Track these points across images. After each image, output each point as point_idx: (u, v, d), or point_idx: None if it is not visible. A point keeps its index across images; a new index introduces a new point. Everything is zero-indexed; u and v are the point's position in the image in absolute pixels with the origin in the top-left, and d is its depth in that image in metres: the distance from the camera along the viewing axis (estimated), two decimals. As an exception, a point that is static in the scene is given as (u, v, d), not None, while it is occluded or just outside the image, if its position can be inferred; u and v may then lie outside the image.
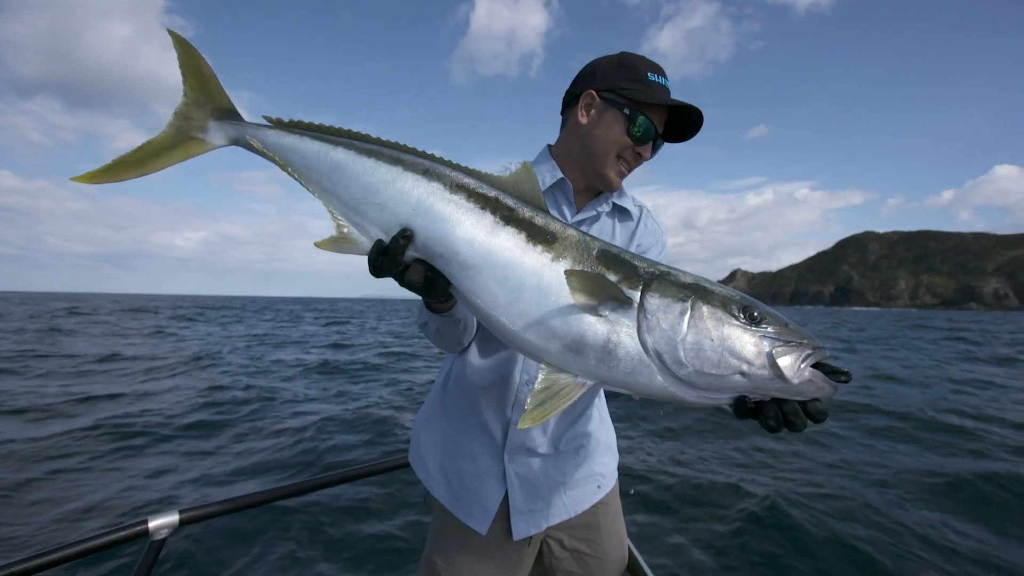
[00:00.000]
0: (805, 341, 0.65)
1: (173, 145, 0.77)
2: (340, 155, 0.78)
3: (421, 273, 0.74)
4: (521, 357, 1.09)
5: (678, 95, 1.14)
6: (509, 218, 0.73)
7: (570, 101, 1.11)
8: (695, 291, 0.67)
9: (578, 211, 1.11)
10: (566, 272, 0.67)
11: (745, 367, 0.63)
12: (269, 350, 15.01)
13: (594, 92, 1.05)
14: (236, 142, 0.81)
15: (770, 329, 0.65)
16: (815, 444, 6.42)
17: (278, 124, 0.81)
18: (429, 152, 0.78)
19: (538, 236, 0.71)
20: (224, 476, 4.62)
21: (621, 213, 1.15)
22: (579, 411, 1.19)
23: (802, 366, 0.63)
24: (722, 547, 3.65)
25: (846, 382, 0.66)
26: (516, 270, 0.70)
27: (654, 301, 0.66)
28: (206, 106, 0.79)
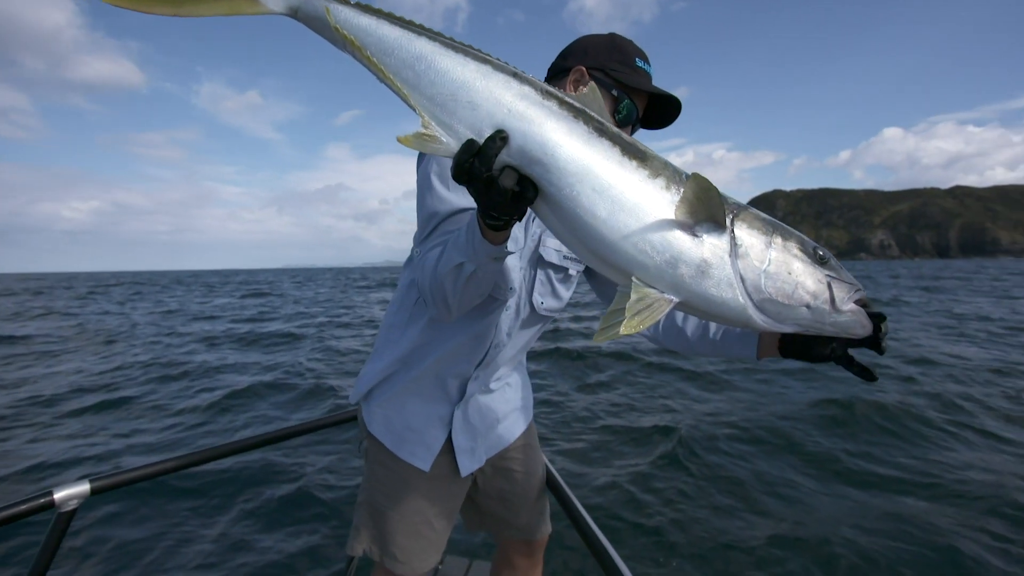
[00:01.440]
0: (855, 283, 0.72)
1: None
2: (424, 45, 0.72)
3: (514, 179, 0.69)
4: (501, 320, 1.13)
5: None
6: (602, 130, 0.71)
7: (557, 73, 1.11)
8: (777, 228, 0.72)
9: None
10: (692, 176, 0.68)
11: (811, 301, 0.70)
12: (182, 323, 14.05)
13: (584, 69, 1.06)
14: (296, 11, 0.73)
15: (832, 272, 0.71)
16: (724, 386, 7.01)
17: (352, 3, 0.74)
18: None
19: (631, 151, 0.70)
20: (137, 454, 4.37)
21: None
22: (525, 347, 1.26)
23: (853, 306, 0.71)
24: (644, 479, 3.94)
25: (883, 320, 0.75)
26: (616, 181, 0.69)
27: (744, 229, 0.70)
28: None
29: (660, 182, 0.69)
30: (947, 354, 9.11)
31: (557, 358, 8.34)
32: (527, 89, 0.70)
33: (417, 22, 0.74)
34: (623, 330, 0.65)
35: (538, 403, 5.37)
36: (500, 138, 0.67)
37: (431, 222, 0.97)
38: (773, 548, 3.02)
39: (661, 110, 1.11)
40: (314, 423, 1.68)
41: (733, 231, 0.69)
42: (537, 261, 1.14)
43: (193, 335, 11.51)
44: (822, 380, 6.99)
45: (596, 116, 0.72)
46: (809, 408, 5.67)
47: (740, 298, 0.68)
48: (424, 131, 0.70)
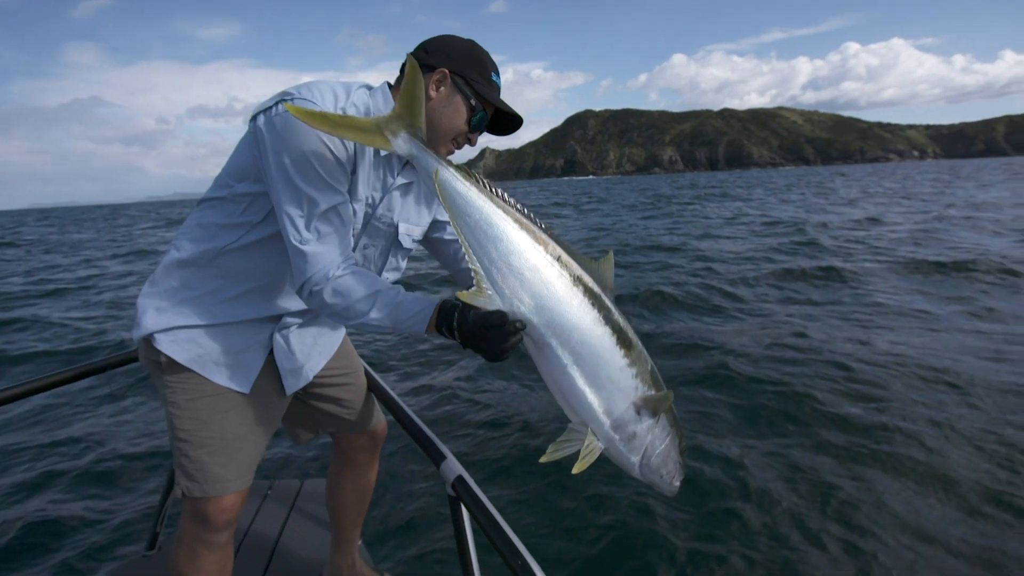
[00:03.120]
0: (685, 469, 1.01)
1: (367, 130, 0.98)
2: (499, 217, 0.92)
3: (518, 343, 0.92)
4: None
5: None
6: (608, 319, 0.91)
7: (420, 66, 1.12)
8: (677, 426, 0.99)
9: (399, 175, 1.18)
10: (666, 393, 0.94)
11: (664, 475, 0.98)
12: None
13: (448, 72, 1.10)
14: (412, 158, 0.99)
15: (683, 463, 1.01)
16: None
17: (456, 166, 0.97)
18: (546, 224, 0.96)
19: (623, 341, 0.91)
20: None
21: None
22: None
23: (677, 484, 1.00)
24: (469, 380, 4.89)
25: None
26: (605, 364, 0.89)
27: (663, 423, 0.96)
28: (405, 120, 0.98)
29: (634, 371, 0.92)
30: (721, 249, 11.71)
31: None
32: (564, 274, 0.91)
33: (499, 193, 0.94)
34: (576, 471, 0.89)
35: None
36: (521, 325, 0.90)
37: (310, 210, 1.01)
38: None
39: (505, 121, 1.20)
40: (88, 367, 1.59)
41: (658, 422, 0.95)
42: (391, 246, 1.24)
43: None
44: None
45: (607, 302, 0.93)
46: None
47: (635, 459, 0.95)
48: (479, 290, 0.91)
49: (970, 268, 8.02)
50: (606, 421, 0.91)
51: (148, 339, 1.12)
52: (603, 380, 0.88)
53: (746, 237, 13.00)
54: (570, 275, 0.90)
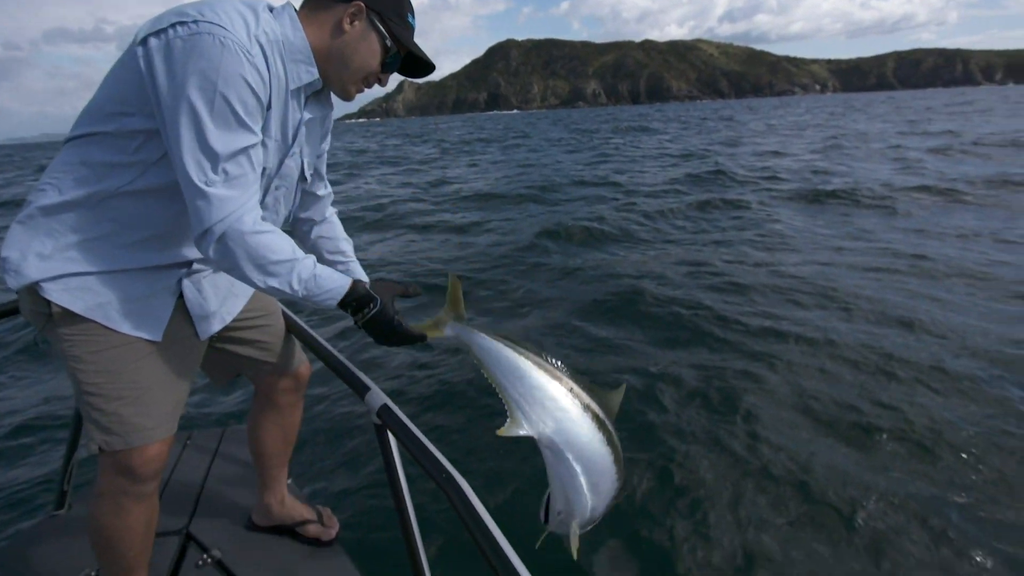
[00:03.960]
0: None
1: (432, 328, 1.21)
2: (522, 363, 1.10)
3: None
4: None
5: None
6: (609, 440, 1.07)
7: None
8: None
9: (305, 110, 1.14)
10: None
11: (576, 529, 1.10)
12: None
13: (364, 7, 1.06)
14: (458, 337, 1.19)
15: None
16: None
17: (485, 331, 1.16)
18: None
19: (618, 459, 1.08)
20: None
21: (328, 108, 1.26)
22: None
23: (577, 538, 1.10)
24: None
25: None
26: (604, 479, 1.06)
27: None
28: (452, 315, 1.22)
29: (621, 482, 1.10)
30: (638, 181, 12.07)
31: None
32: (576, 401, 1.07)
33: (520, 343, 1.13)
34: (575, 555, 1.05)
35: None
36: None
37: (218, 149, 0.93)
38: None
39: (417, 64, 1.18)
40: None
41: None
42: (298, 185, 1.24)
43: None
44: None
45: (609, 427, 1.08)
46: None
47: (575, 524, 1.08)
48: (513, 419, 1.06)
49: (853, 194, 8.92)
50: (588, 513, 1.08)
51: (32, 288, 1.00)
52: (600, 488, 1.07)
53: (663, 170, 13.50)
54: (581, 404, 1.08)
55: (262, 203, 1.12)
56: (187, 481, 1.71)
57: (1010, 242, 6.22)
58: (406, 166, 19.54)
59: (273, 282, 1.00)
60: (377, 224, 9.12)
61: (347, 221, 8.96)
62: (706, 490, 2.43)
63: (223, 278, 1.20)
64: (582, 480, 1.04)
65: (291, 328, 1.44)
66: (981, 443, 2.67)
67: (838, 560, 2.10)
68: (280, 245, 1.00)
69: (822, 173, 11.62)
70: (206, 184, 0.92)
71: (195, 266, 1.12)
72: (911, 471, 2.56)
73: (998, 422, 2.86)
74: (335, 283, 1.06)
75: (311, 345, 1.40)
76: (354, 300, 1.08)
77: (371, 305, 1.09)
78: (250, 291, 1.31)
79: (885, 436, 2.78)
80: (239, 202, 0.96)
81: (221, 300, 1.20)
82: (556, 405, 1.06)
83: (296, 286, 1.02)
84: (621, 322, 4.33)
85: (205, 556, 1.44)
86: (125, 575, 1.18)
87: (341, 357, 1.31)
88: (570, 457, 1.04)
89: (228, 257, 0.97)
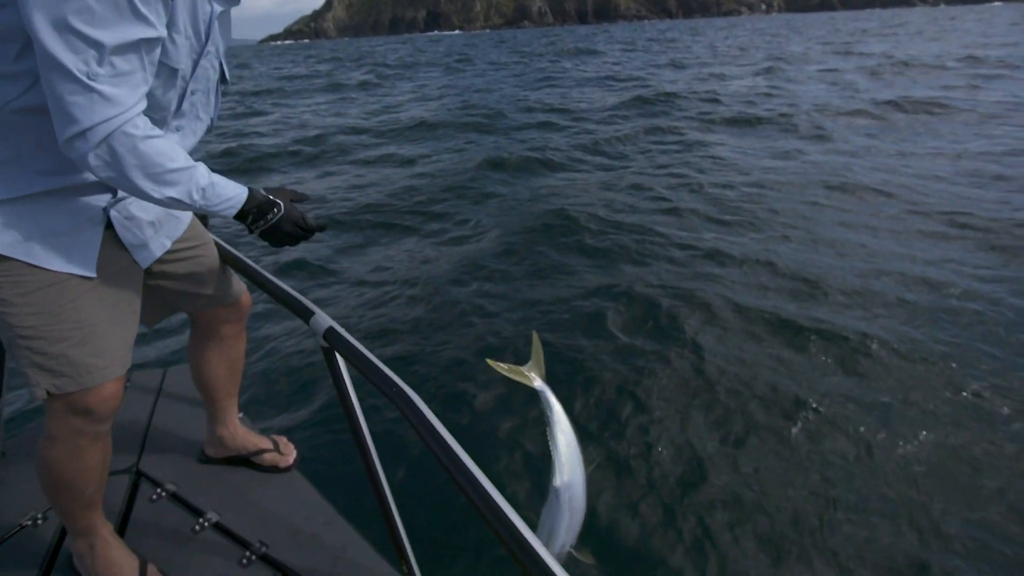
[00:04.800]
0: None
1: (522, 377, 1.32)
2: (570, 428, 1.27)
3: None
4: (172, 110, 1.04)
5: None
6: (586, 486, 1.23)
7: None
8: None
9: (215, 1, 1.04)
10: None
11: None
12: None
13: None
14: (542, 392, 1.32)
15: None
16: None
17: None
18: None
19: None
20: None
21: None
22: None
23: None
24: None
25: None
26: (578, 518, 1.17)
27: None
28: (537, 371, 1.34)
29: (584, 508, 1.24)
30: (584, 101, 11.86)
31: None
32: (582, 459, 1.26)
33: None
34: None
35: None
36: None
37: (106, 38, 0.81)
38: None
39: None
40: None
41: None
42: (216, 85, 1.13)
43: None
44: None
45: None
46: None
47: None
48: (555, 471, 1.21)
49: (790, 117, 9.18)
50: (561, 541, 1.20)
51: None
52: (572, 527, 1.20)
53: (609, 95, 13.29)
54: (584, 462, 1.28)
55: (178, 110, 1.04)
56: (131, 421, 1.67)
57: (919, 155, 6.66)
58: (342, 94, 18.25)
59: (171, 192, 0.92)
60: (316, 159, 8.63)
61: (281, 157, 8.51)
62: (656, 408, 2.62)
63: (152, 205, 1.11)
64: (567, 521, 1.19)
65: (225, 258, 1.37)
66: (900, 350, 2.99)
67: (781, 461, 2.33)
68: (175, 151, 0.92)
69: (763, 95, 11.79)
70: (88, 77, 0.80)
71: (120, 192, 1.04)
72: (840, 376, 2.85)
73: (910, 329, 3.19)
74: (234, 191, 1.01)
75: (248, 274, 1.33)
76: (255, 207, 1.04)
77: (275, 211, 1.07)
78: (189, 216, 1.25)
79: (817, 347, 3.06)
80: (128, 104, 0.84)
81: (157, 226, 1.13)
82: (578, 462, 1.26)
83: (195, 196, 0.95)
84: (566, 247, 4.42)
85: (158, 491, 1.44)
86: (81, 514, 1.17)
87: (281, 283, 1.25)
88: (567, 499, 1.20)
89: (113, 166, 0.87)
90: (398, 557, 1.11)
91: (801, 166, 6.60)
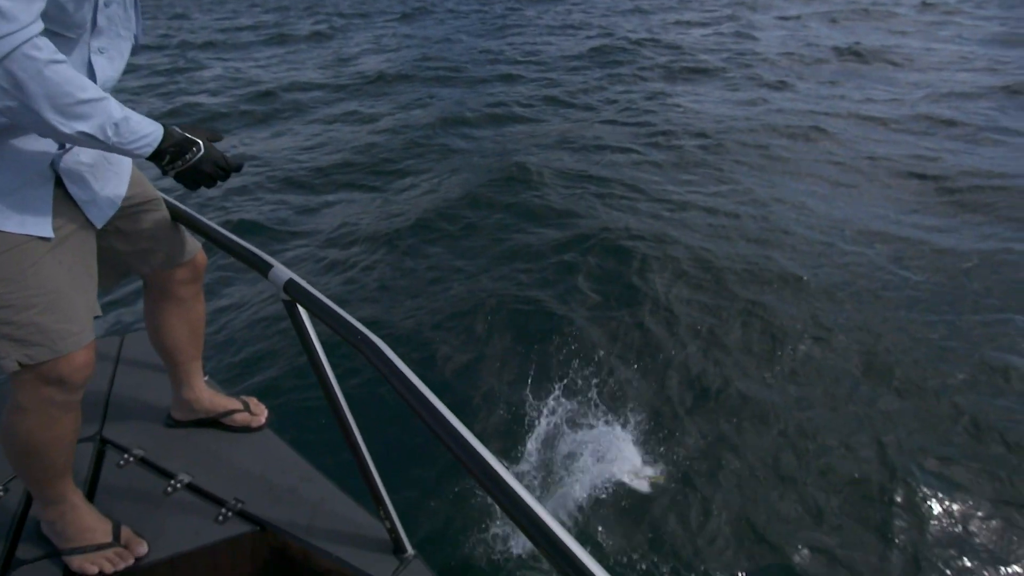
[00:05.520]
0: None
1: None
2: None
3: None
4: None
5: None
6: None
7: None
8: None
9: None
10: None
11: None
12: None
13: None
14: None
15: None
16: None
17: None
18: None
19: None
20: None
21: None
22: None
23: None
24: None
25: None
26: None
27: None
28: None
29: None
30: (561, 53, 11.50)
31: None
32: None
33: None
34: None
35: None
36: None
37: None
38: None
39: None
40: None
41: None
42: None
43: None
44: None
45: None
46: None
47: None
48: None
49: (748, 66, 9.21)
50: None
51: None
52: None
53: (573, 44, 12.95)
54: None
55: (95, 27, 0.95)
56: (91, 389, 1.62)
57: (877, 102, 6.81)
58: (293, 47, 17.19)
59: (82, 126, 0.83)
60: (270, 118, 8.19)
61: (232, 117, 8.07)
62: (626, 360, 2.69)
63: (96, 155, 1.06)
64: None
65: (176, 214, 1.31)
66: (856, 292, 3.13)
67: (755, 404, 2.44)
68: (84, 80, 0.83)
69: (724, 42, 11.70)
70: None
71: (67, 144, 0.98)
72: (806, 320, 2.98)
73: (866, 271, 3.34)
74: (150, 127, 0.92)
75: (201, 230, 1.27)
76: (173, 146, 0.96)
77: (194, 150, 0.99)
78: (127, 167, 1.18)
79: (783, 294, 3.17)
80: (23, 20, 0.74)
81: (104, 181, 1.08)
82: None
83: (109, 132, 0.86)
84: (531, 201, 4.40)
85: (126, 456, 1.41)
86: (52, 484, 1.15)
87: (236, 237, 1.20)
88: None
89: (14, 94, 0.76)
90: (375, 504, 1.13)
91: (763, 114, 6.66)
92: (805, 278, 3.22)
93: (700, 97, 7.70)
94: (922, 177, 4.70)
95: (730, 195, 4.37)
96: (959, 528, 1.97)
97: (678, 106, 7.19)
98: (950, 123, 6.02)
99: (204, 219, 1.30)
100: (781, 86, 8.09)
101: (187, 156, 0.98)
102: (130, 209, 1.19)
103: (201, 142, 1.01)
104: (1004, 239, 3.62)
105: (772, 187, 4.52)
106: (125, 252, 1.24)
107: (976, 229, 3.79)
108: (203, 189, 1.08)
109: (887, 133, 5.84)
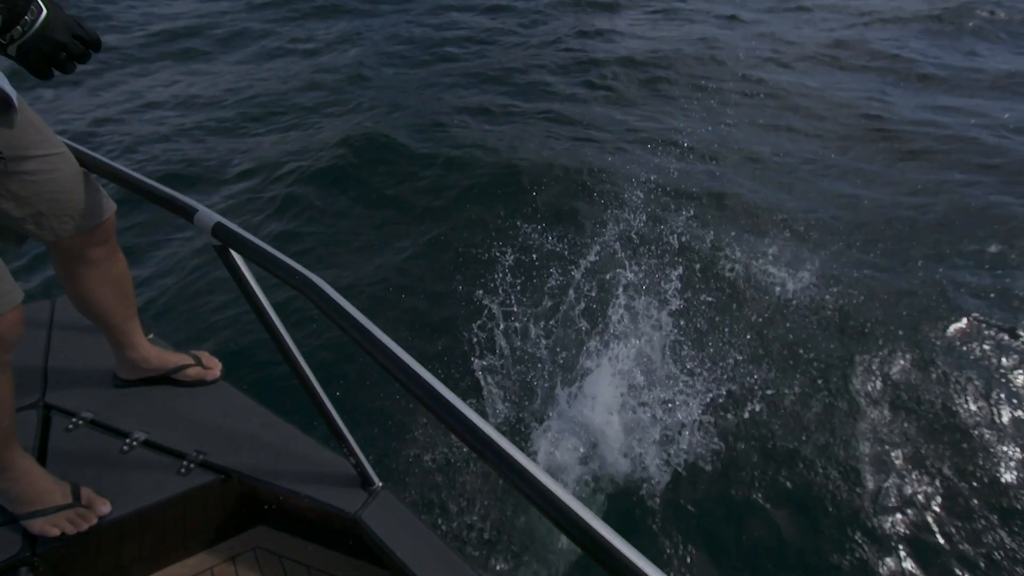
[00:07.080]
0: None
1: None
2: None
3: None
4: None
5: None
6: None
7: None
8: None
9: None
10: None
11: None
12: None
13: None
14: None
15: None
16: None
17: None
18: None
19: None
20: None
21: None
22: None
23: None
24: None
25: None
26: None
27: None
28: None
29: None
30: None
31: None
32: None
33: None
34: None
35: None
36: None
37: None
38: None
39: None
40: None
41: None
42: None
43: None
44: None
45: None
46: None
47: None
48: None
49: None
50: None
51: None
52: None
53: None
54: None
55: None
56: (27, 356, 1.54)
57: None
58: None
59: None
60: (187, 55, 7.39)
61: (152, 46, 7.09)
62: (568, 286, 2.74)
63: None
64: None
65: (85, 162, 1.19)
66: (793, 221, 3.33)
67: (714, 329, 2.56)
68: None
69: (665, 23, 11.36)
70: None
71: None
72: (770, 247, 3.15)
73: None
74: None
75: (116, 176, 1.15)
76: (3, 5, 0.75)
77: (32, 9, 0.78)
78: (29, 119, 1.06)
79: (751, 216, 3.34)
80: None
81: None
82: None
83: None
84: (475, 127, 4.31)
85: (74, 420, 1.37)
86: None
87: (155, 182, 1.09)
88: None
89: None
90: (338, 442, 1.16)
91: (718, 53, 6.61)
92: (761, 201, 3.41)
93: (624, 28, 7.56)
94: (883, 131, 4.77)
95: (666, 124, 4.44)
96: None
97: (601, 34, 7.04)
98: (924, 79, 6.06)
99: (115, 162, 1.19)
100: (731, 19, 7.98)
101: (26, 18, 0.76)
102: (22, 164, 1.05)
103: (41, 2, 0.80)
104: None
105: (706, 118, 4.60)
106: (19, 218, 1.10)
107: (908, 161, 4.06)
108: (59, 75, 0.85)
109: (849, 80, 5.92)
